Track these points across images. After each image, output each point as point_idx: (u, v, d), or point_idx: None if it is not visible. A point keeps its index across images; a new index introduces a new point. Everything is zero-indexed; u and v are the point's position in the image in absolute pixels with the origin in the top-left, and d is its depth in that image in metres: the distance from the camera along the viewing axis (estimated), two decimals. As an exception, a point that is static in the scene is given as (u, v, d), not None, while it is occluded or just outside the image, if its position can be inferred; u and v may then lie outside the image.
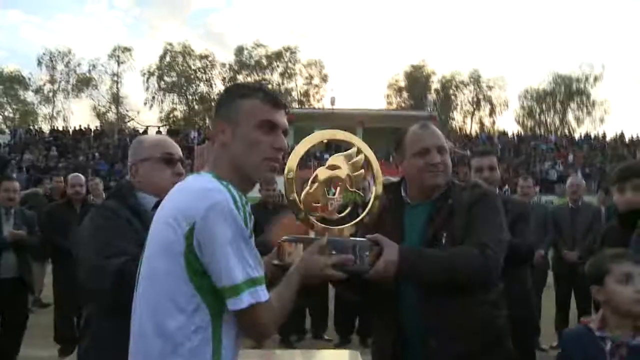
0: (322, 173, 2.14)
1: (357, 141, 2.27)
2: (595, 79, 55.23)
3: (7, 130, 43.19)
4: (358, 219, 2.19)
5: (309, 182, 2.11)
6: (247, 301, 1.56)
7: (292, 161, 2.07)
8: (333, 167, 2.17)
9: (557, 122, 57.02)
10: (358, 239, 2.14)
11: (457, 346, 2.32)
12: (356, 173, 2.19)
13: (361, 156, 2.21)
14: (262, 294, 1.60)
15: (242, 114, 1.71)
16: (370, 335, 6.78)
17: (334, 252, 1.93)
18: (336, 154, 2.22)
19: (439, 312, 2.31)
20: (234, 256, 1.56)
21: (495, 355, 2.43)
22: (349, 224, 2.15)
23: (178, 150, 2.53)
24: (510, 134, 44.43)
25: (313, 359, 4.10)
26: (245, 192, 1.73)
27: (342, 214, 2.16)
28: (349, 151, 2.21)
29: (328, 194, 2.14)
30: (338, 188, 2.17)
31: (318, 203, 2.11)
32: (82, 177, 6.58)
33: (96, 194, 7.73)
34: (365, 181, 4.34)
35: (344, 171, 2.17)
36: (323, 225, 2.11)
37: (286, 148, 1.76)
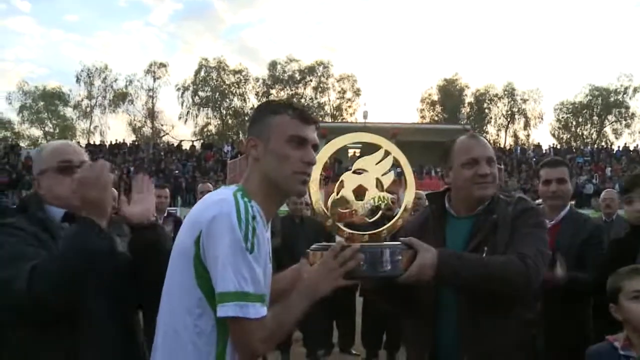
0: (348, 178, 2.09)
1: (386, 143, 2.16)
2: (635, 90, 54.10)
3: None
4: (388, 225, 2.13)
5: (335, 188, 2.07)
6: (233, 312, 1.59)
7: (316, 168, 1.97)
8: (360, 172, 2.12)
9: (594, 135, 55.99)
10: (389, 242, 2.10)
11: None
12: (385, 175, 2.11)
13: (389, 158, 2.12)
14: (253, 311, 1.61)
15: (273, 130, 1.77)
16: (397, 350, 6.76)
17: (362, 260, 1.89)
18: (362, 158, 2.15)
19: (477, 329, 2.27)
20: (229, 265, 1.60)
21: None
22: (379, 230, 2.10)
23: (78, 155, 2.27)
24: (545, 147, 43.71)
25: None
26: (278, 205, 1.88)
27: (373, 219, 2.12)
28: (376, 153, 2.13)
29: (356, 199, 2.08)
30: (367, 192, 2.10)
31: (346, 209, 2.07)
32: (114, 190, 6.65)
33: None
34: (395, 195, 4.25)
35: (371, 174, 2.10)
36: (351, 231, 2.06)
37: (315, 162, 1.82)
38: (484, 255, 2.29)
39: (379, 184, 2.09)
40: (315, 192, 2.02)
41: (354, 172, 2.12)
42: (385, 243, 2.08)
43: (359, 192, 2.10)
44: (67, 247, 1.84)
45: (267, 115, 1.79)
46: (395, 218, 2.14)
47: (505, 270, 2.20)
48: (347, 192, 2.06)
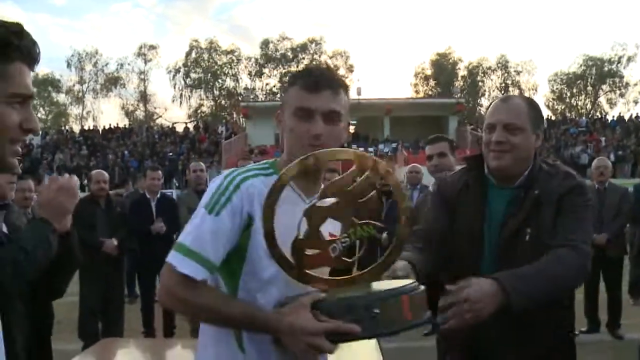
0: (315, 211, 1.55)
1: (363, 159, 1.61)
2: (629, 59, 53.89)
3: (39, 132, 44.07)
4: (377, 262, 1.66)
5: (297, 225, 1.54)
6: (169, 258, 1.57)
7: (267, 212, 1.52)
8: (326, 197, 1.59)
9: (589, 106, 55.91)
10: (391, 283, 1.64)
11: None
12: (363, 199, 1.59)
13: (365, 176, 1.58)
14: (182, 263, 1.54)
15: (286, 102, 1.73)
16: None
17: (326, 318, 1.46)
18: (331, 181, 1.62)
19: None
20: (191, 219, 1.63)
21: None
22: (365, 271, 1.65)
23: None
24: (540, 119, 43.59)
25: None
26: (311, 175, 1.68)
27: (354, 258, 1.64)
28: (345, 175, 1.61)
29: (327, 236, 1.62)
30: (339, 224, 1.64)
31: (315, 250, 1.57)
32: (105, 173, 6.65)
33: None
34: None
35: (342, 203, 1.58)
36: (328, 278, 1.64)
37: (321, 134, 1.64)
38: (527, 237, 2.14)
39: (357, 210, 1.60)
40: (270, 232, 1.52)
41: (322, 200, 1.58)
42: (380, 287, 1.59)
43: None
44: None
45: (288, 86, 1.77)
46: (386, 254, 1.67)
47: (568, 273, 2.04)
48: (314, 229, 1.56)
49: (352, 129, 41.35)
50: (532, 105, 2.28)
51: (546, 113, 50.77)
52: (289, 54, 56.01)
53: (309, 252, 1.56)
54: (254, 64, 55.93)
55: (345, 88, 1.73)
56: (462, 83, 56.72)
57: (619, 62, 54.33)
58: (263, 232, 1.53)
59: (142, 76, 55.55)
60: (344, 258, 1.60)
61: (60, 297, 2.39)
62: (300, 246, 1.54)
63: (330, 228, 1.64)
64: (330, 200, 1.57)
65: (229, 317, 1.56)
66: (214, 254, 1.57)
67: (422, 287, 1.57)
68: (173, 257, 1.56)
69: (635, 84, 54.50)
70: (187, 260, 1.54)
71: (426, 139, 4.73)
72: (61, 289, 2.31)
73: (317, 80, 1.67)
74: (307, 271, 1.56)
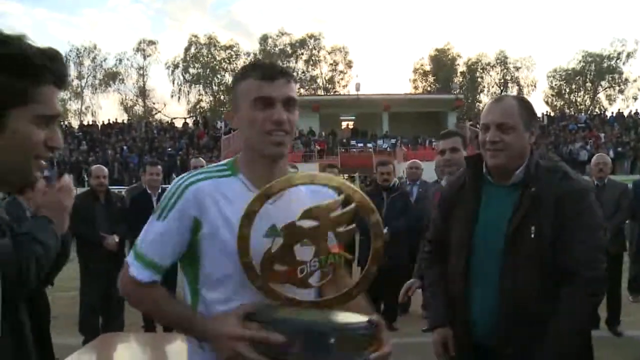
0: (291, 229, 1.56)
1: (351, 190, 1.61)
2: (628, 55, 53.87)
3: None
4: (340, 293, 1.63)
5: (272, 241, 1.56)
6: (127, 257, 1.69)
7: (244, 220, 1.54)
8: (308, 218, 1.58)
9: (588, 102, 55.89)
10: (347, 317, 1.55)
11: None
12: (342, 229, 1.58)
13: (351, 208, 1.59)
14: (132, 266, 1.66)
15: (240, 97, 1.70)
16: (394, 319, 6.82)
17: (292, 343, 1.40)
18: (315, 205, 1.58)
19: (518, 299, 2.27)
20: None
21: None
22: (331, 297, 1.63)
23: None
24: (539, 115, 43.66)
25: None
26: (270, 168, 1.69)
27: (319, 283, 1.68)
28: (332, 201, 1.60)
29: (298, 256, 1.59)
30: (313, 248, 1.58)
31: (284, 267, 1.57)
32: (105, 168, 6.65)
33: None
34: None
35: (323, 228, 1.57)
36: (290, 297, 1.60)
37: (284, 119, 1.65)
38: (532, 235, 2.23)
39: (335, 236, 1.59)
40: (245, 240, 1.54)
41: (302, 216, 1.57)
42: (339, 318, 1.54)
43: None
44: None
45: (236, 83, 1.74)
46: (365, 270, 1.63)
47: (586, 314, 2.28)
48: (286, 246, 1.55)
49: (351, 124, 41.45)
50: (524, 104, 2.39)
51: (545, 109, 50.84)
52: (287, 49, 55.98)
53: (277, 267, 1.57)
54: (252, 60, 55.86)
55: (295, 79, 1.76)
56: (461, 79, 56.73)
57: (618, 58, 54.33)
58: (237, 239, 1.55)
59: (141, 71, 55.56)
60: (309, 281, 1.61)
61: (46, 287, 2.53)
62: (270, 259, 1.55)
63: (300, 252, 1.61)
64: (310, 223, 1.56)
65: (168, 318, 1.69)
66: (160, 257, 1.65)
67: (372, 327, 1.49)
68: (129, 257, 1.67)
69: (635, 80, 54.62)
70: (136, 263, 1.65)
71: (427, 135, 4.72)
72: (51, 282, 2.53)
73: (272, 69, 1.69)
74: (271, 285, 1.57)
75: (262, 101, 1.65)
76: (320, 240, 1.57)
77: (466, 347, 2.43)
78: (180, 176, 1.72)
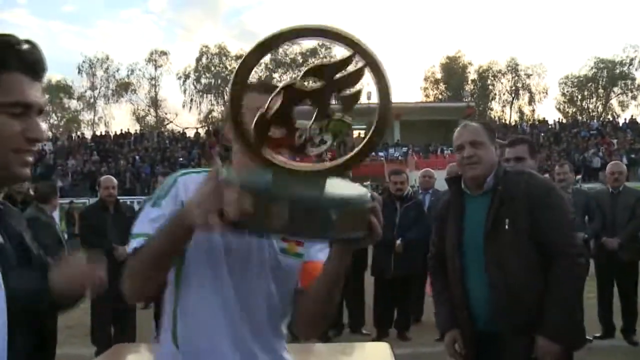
0: (290, 89, 1.32)
1: (360, 47, 1.39)
2: (641, 61, 53.49)
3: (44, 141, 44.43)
4: (343, 158, 1.40)
5: (269, 98, 1.32)
6: (128, 250, 1.71)
7: (242, 70, 1.30)
8: (311, 77, 1.34)
9: (600, 108, 55.55)
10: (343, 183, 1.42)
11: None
12: (347, 92, 1.35)
13: (359, 67, 1.37)
14: (131, 245, 1.69)
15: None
16: (407, 328, 6.80)
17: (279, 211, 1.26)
18: (320, 62, 1.38)
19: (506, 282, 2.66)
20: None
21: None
22: (328, 165, 1.40)
23: None
24: (551, 122, 43.43)
25: (345, 350, 4.08)
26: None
27: (318, 151, 1.37)
28: (340, 58, 1.36)
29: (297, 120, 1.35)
30: (316, 112, 1.34)
31: (280, 131, 1.34)
32: (114, 179, 6.67)
33: None
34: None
35: (327, 88, 1.33)
36: (288, 161, 1.38)
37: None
38: (506, 226, 2.64)
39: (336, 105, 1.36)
40: (237, 100, 1.32)
41: (304, 77, 1.34)
42: (338, 190, 1.37)
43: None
44: None
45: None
46: (364, 142, 1.42)
47: (576, 287, 2.74)
48: (284, 107, 1.31)
49: (362, 133, 41.38)
50: (486, 125, 2.92)
51: (557, 116, 50.56)
52: (298, 58, 56.14)
53: (273, 131, 1.33)
54: (263, 69, 56.09)
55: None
56: (472, 87, 56.63)
57: (630, 64, 54.10)
58: (229, 91, 1.32)
59: (153, 82, 55.97)
60: (309, 149, 1.36)
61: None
62: (265, 123, 1.31)
63: None
64: (313, 83, 1.33)
65: (159, 245, 1.52)
66: (154, 230, 1.64)
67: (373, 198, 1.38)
68: (129, 248, 1.71)
69: (648, 86, 54.10)
70: (133, 240, 1.68)
71: (438, 143, 4.71)
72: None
73: (265, 84, 1.74)
74: (265, 154, 1.34)
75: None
76: (322, 103, 1.34)
77: (472, 338, 2.76)
78: (174, 173, 1.80)
